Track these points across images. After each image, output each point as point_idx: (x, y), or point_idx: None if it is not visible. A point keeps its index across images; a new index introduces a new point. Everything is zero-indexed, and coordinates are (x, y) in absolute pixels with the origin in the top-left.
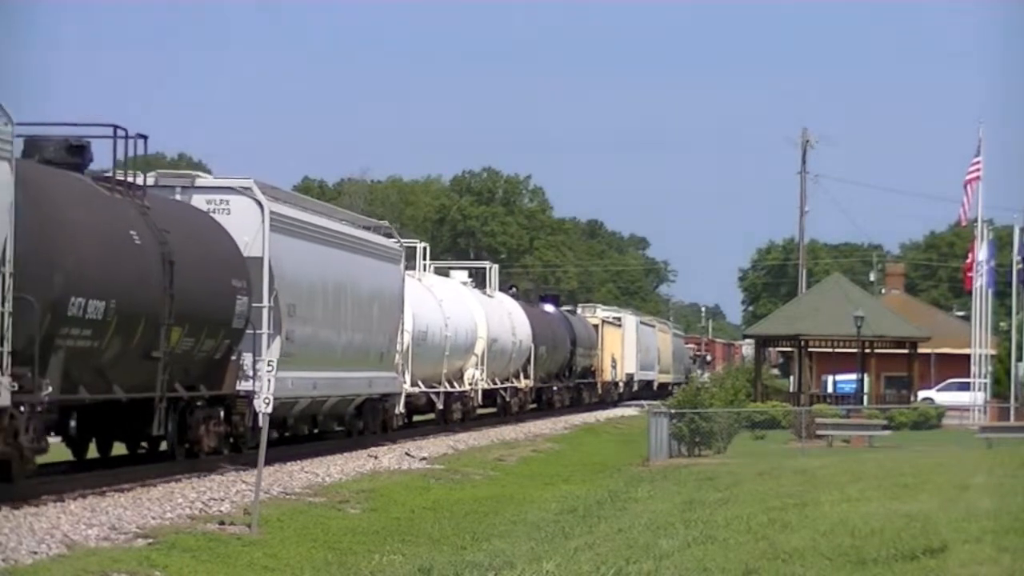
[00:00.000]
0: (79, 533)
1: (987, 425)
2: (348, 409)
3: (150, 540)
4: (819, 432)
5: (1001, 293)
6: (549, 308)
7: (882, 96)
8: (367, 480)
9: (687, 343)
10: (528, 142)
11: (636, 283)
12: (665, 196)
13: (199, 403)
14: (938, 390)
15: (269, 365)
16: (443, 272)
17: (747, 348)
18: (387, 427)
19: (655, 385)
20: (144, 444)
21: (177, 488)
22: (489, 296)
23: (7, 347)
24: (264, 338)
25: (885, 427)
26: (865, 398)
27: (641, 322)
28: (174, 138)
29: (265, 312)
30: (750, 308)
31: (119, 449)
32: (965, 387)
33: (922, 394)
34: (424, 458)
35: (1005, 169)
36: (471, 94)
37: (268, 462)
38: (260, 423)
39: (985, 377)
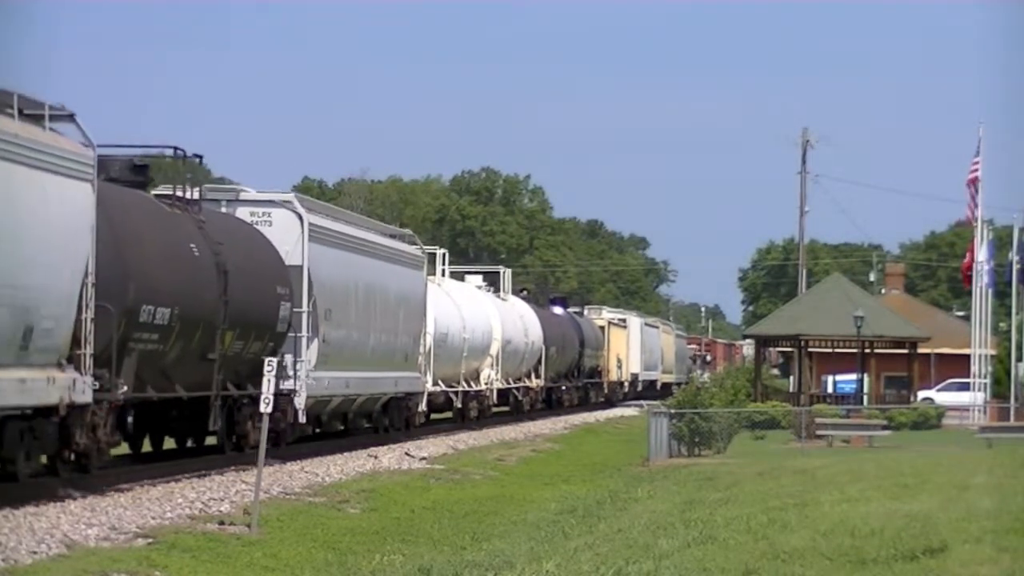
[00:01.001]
0: (79, 533)
1: (987, 425)
2: (375, 407)
3: (150, 540)
4: (819, 432)
5: (1001, 293)
6: (558, 310)
7: (882, 96)
8: (367, 480)
9: (689, 343)
10: (528, 142)
11: (636, 283)
12: (665, 196)
13: (245, 400)
14: (938, 390)
15: (269, 365)
16: (458, 276)
17: (748, 348)
18: (409, 424)
19: (658, 385)
20: (190, 439)
21: (177, 488)
22: (503, 299)
23: (89, 350)
24: (303, 340)
25: (885, 427)
26: (865, 398)
27: (645, 323)
28: (174, 138)
29: (304, 316)
30: (750, 308)
31: (165, 443)
32: (965, 387)
33: (922, 394)
34: (424, 458)
35: (1005, 169)
36: (471, 94)
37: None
38: (300, 419)
39: (985, 377)
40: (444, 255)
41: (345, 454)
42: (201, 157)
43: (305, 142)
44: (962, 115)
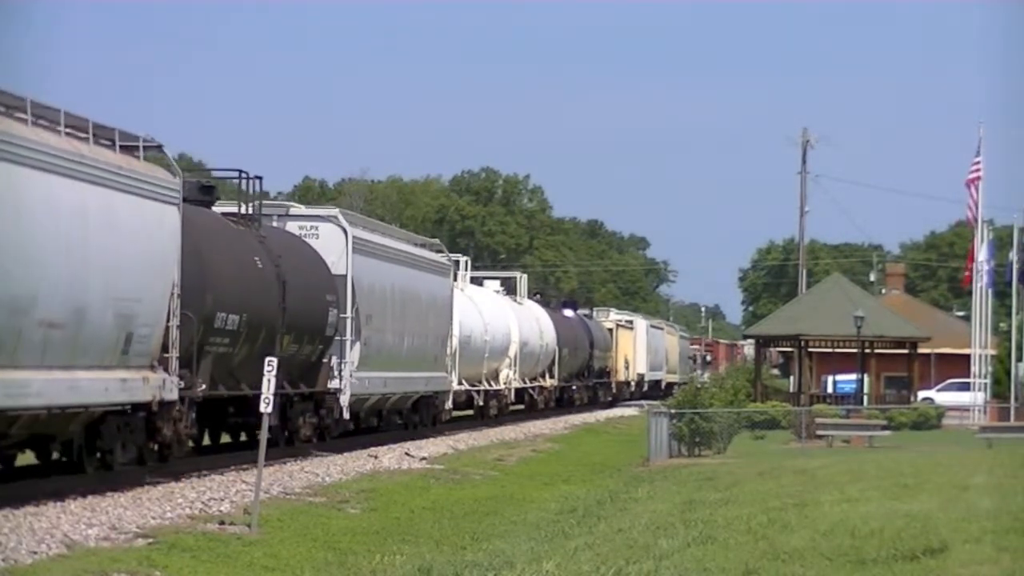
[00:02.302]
0: (79, 533)
1: (987, 425)
2: (407, 405)
3: (150, 540)
4: (819, 432)
5: (1001, 293)
6: (569, 313)
7: (882, 96)
8: (367, 480)
9: (692, 344)
10: (528, 142)
11: (636, 283)
12: (665, 196)
13: (296, 398)
14: (938, 390)
15: (269, 365)
16: (476, 281)
17: (749, 348)
18: (436, 421)
19: (663, 384)
20: (243, 434)
21: (177, 488)
22: (519, 303)
23: (175, 353)
24: (347, 343)
25: (885, 427)
26: (865, 398)
27: (651, 325)
28: (174, 138)
29: (348, 321)
30: (750, 308)
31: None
32: (965, 387)
33: (922, 394)
34: (424, 458)
35: (1005, 169)
36: (471, 94)
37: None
38: (344, 415)
39: (985, 377)
40: (467, 262)
41: (345, 454)
42: (261, 178)
43: (305, 142)
44: (962, 115)
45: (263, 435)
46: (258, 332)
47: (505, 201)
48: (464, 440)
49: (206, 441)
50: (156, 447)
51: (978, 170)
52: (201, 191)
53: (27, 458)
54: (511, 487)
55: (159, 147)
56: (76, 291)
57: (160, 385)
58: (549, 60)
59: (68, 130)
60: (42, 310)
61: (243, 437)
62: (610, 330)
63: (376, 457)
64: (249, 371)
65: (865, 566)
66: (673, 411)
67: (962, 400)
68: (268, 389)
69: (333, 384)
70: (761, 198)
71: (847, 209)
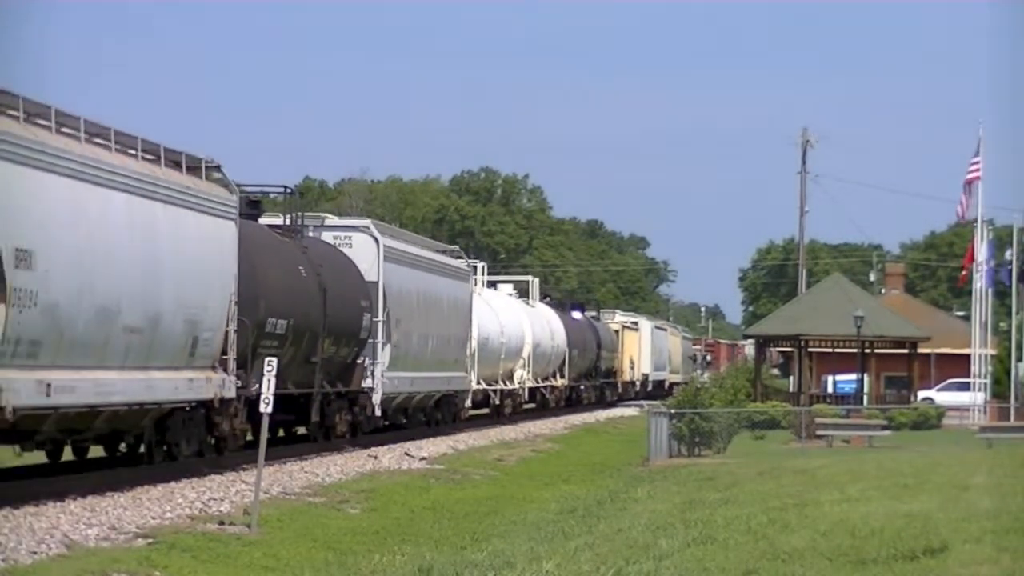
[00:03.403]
0: (79, 533)
1: (987, 425)
2: (430, 403)
3: (150, 540)
4: (819, 432)
5: (1001, 293)
6: (577, 315)
7: (882, 96)
8: (367, 480)
9: (695, 344)
10: (527, 142)
11: (636, 283)
12: (665, 196)
13: (333, 396)
14: (938, 390)
15: (269, 366)
16: (491, 285)
17: (750, 348)
18: (456, 418)
19: (667, 384)
20: (280, 430)
21: (177, 488)
22: (531, 306)
23: (232, 355)
24: (379, 346)
25: (885, 427)
26: (865, 398)
27: (655, 327)
28: (174, 138)
29: (380, 325)
30: (750, 308)
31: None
32: (965, 387)
33: (922, 394)
34: (424, 458)
35: (1005, 169)
36: (471, 94)
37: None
38: (376, 413)
39: (985, 377)
40: (484, 267)
41: (345, 454)
42: (303, 193)
43: (305, 142)
44: (962, 115)
45: (263, 435)
46: (302, 336)
47: (504, 201)
48: (464, 440)
49: (249, 437)
50: (214, 441)
51: (977, 170)
52: (249, 205)
53: (38, 456)
54: (511, 487)
55: (218, 167)
56: (152, 300)
57: (220, 384)
58: (549, 60)
59: (143, 154)
60: (125, 317)
61: (280, 433)
62: (616, 331)
63: (376, 457)
64: (294, 372)
65: (865, 566)
66: (673, 411)
67: (962, 400)
68: (268, 389)
69: (366, 383)
70: (761, 198)
71: (847, 209)
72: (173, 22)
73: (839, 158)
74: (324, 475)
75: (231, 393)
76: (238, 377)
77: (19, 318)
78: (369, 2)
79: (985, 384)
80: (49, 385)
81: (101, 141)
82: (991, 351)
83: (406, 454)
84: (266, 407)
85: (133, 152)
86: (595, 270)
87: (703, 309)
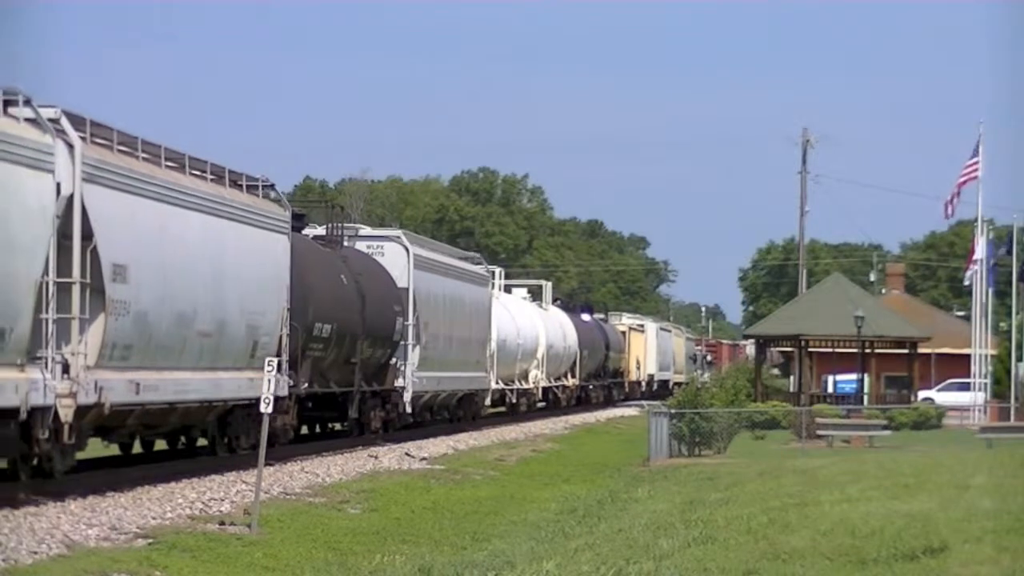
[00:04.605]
0: (79, 533)
1: (987, 425)
2: (452, 401)
3: (150, 540)
4: (819, 432)
5: (1001, 293)
6: (586, 317)
7: (882, 96)
8: (367, 480)
9: (697, 345)
10: (527, 142)
11: (636, 283)
12: (665, 196)
13: (369, 395)
14: (938, 390)
15: (270, 366)
16: (506, 289)
17: (751, 348)
18: (476, 416)
19: (671, 384)
20: (317, 425)
21: (177, 488)
22: (544, 309)
23: (285, 356)
24: (409, 347)
25: (885, 427)
26: (865, 398)
27: (660, 328)
28: (174, 138)
29: (410, 328)
30: (750, 308)
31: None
32: (965, 387)
33: (922, 394)
34: (424, 458)
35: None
36: (471, 94)
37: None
38: (405, 409)
39: (985, 377)
40: (501, 272)
41: (345, 454)
42: (344, 207)
43: (305, 142)
44: (962, 115)
45: (263, 435)
46: (344, 339)
47: (504, 201)
48: (464, 440)
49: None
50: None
51: (974, 171)
52: (294, 218)
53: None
54: (511, 487)
55: (272, 186)
56: (220, 307)
57: (276, 384)
58: (549, 60)
59: (211, 176)
60: (198, 323)
61: (317, 428)
62: (623, 333)
63: (376, 457)
64: (336, 372)
65: (865, 566)
66: (673, 411)
67: (962, 400)
68: (268, 389)
69: (398, 383)
70: (761, 198)
71: (847, 209)
72: (173, 22)
73: (839, 158)
74: (324, 475)
75: (284, 392)
76: (290, 377)
77: (115, 326)
78: (369, 2)
79: (985, 384)
80: (138, 384)
81: (173, 164)
82: (991, 351)
83: (406, 454)
84: (266, 407)
85: (203, 174)
86: (595, 270)
87: (703, 309)
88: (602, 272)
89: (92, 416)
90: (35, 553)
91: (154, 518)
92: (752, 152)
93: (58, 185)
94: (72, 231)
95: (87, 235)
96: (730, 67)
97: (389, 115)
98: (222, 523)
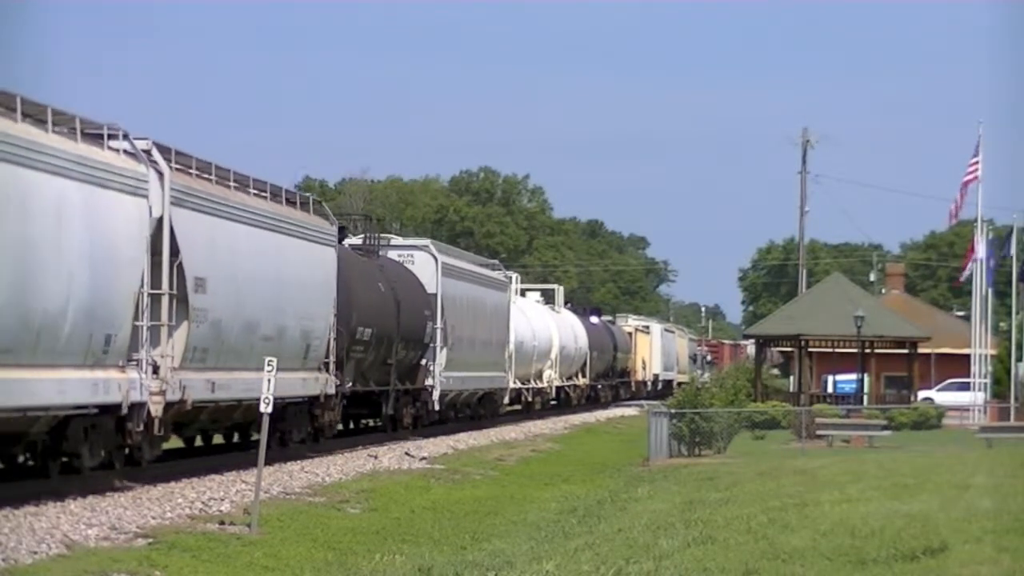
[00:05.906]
0: (79, 533)
1: (987, 425)
2: (474, 400)
3: (150, 540)
4: (819, 432)
5: (1001, 293)
6: (594, 319)
7: (882, 96)
8: (367, 480)
9: (699, 345)
10: (528, 142)
11: (636, 283)
12: (665, 196)
13: (402, 394)
14: (938, 390)
15: (270, 366)
16: (520, 293)
17: (752, 348)
18: (495, 414)
19: (675, 384)
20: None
21: (177, 488)
22: (557, 312)
23: (332, 358)
24: (437, 349)
25: (885, 427)
26: (865, 398)
27: (665, 329)
28: (174, 138)
29: (438, 332)
30: (750, 308)
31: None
32: (965, 387)
33: (922, 394)
34: (424, 458)
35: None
36: (471, 94)
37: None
38: (434, 407)
39: (985, 377)
40: (517, 277)
41: (345, 454)
42: (381, 219)
43: (305, 142)
44: (962, 115)
45: (263, 435)
46: (382, 341)
47: (504, 201)
48: (464, 440)
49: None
50: (312, 430)
51: (976, 170)
52: (338, 231)
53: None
54: (511, 487)
55: (320, 203)
56: (279, 314)
57: (324, 383)
58: (549, 60)
59: (267, 195)
60: (262, 328)
61: (351, 424)
62: (629, 334)
63: (376, 457)
64: (375, 372)
65: (865, 566)
66: (673, 411)
67: (962, 400)
68: (268, 389)
69: (428, 382)
70: (761, 198)
71: (847, 209)
72: (173, 21)
73: (839, 158)
74: (324, 475)
75: (331, 390)
76: (336, 377)
77: (196, 331)
78: (370, 2)
79: (985, 384)
80: (213, 383)
81: (238, 185)
82: (991, 351)
83: (406, 454)
84: (266, 407)
85: (262, 193)
86: (595, 270)
87: (703, 309)
88: (602, 272)
89: (174, 411)
90: (35, 553)
91: (154, 518)
92: (752, 152)
93: (150, 208)
94: (162, 248)
95: (174, 252)
96: (730, 67)
97: (389, 115)
98: (222, 523)
